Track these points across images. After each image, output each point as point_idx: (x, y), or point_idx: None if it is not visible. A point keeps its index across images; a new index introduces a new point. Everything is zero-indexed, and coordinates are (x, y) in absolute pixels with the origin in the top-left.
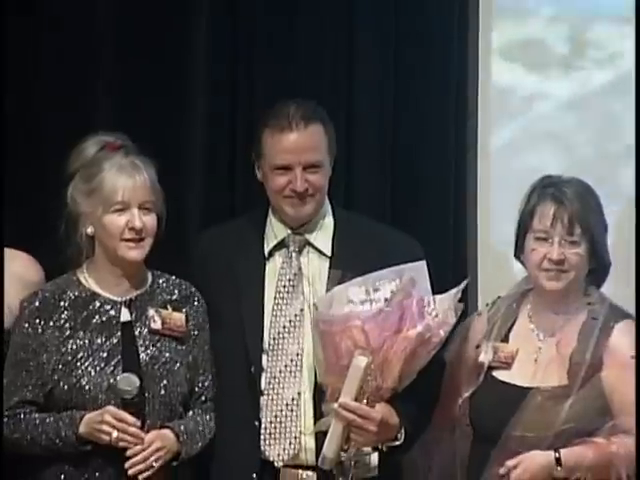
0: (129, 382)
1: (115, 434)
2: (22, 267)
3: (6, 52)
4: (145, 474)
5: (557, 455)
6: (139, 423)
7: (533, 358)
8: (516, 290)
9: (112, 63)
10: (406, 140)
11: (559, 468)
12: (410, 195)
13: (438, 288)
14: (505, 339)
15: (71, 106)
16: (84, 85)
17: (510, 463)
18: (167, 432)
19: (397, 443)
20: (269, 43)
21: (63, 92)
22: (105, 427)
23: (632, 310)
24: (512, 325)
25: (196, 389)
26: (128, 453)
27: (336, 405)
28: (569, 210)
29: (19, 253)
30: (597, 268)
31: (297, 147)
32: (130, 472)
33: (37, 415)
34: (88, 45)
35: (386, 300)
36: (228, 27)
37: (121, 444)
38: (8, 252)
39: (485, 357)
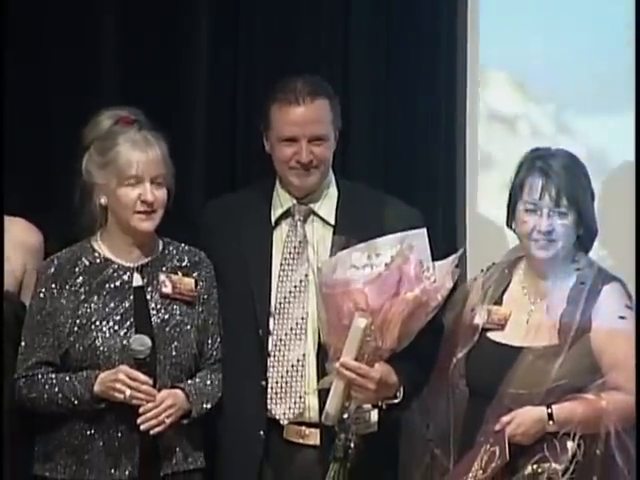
0: (142, 342)
1: (128, 392)
2: (22, 233)
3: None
4: (156, 429)
5: (549, 410)
6: (151, 381)
7: (525, 320)
8: (509, 257)
9: (119, 41)
10: (398, 112)
11: (551, 422)
12: (402, 166)
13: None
14: (499, 302)
15: (77, 79)
16: (91, 57)
17: (505, 419)
18: (178, 391)
19: (396, 401)
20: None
21: (69, 63)
22: (119, 385)
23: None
24: (505, 289)
25: (205, 350)
26: (141, 410)
27: (337, 364)
28: (556, 183)
29: (17, 219)
30: (585, 235)
31: (303, 120)
32: (142, 427)
33: (54, 375)
34: (94, 18)
35: (386, 265)
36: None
37: (134, 401)
38: (7, 219)
39: (479, 319)
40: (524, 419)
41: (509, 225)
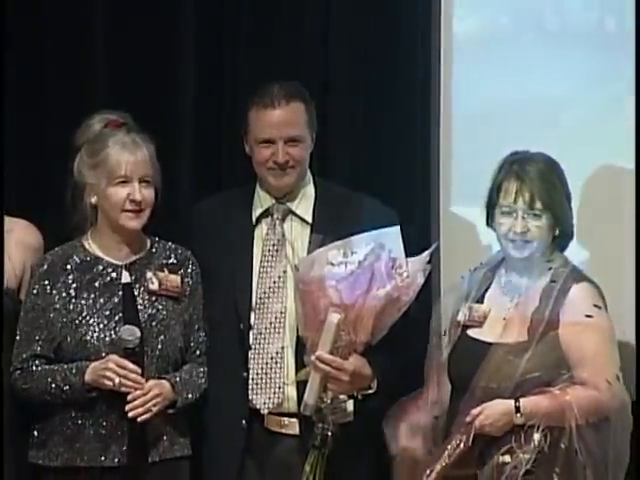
0: (131, 332)
1: (117, 379)
2: (22, 233)
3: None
4: (143, 417)
5: (517, 404)
6: (140, 371)
7: (502, 317)
8: (494, 258)
9: (109, 44)
10: (375, 115)
11: (518, 415)
12: (379, 166)
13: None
14: (480, 301)
15: (71, 79)
16: (83, 63)
17: (474, 411)
18: (164, 382)
19: (370, 392)
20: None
21: (64, 65)
22: (109, 373)
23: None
24: (487, 289)
25: (191, 344)
26: (129, 398)
27: (313, 357)
28: (529, 187)
29: (18, 220)
30: (561, 236)
31: (279, 122)
32: (130, 414)
33: (47, 367)
34: (83, 25)
35: (359, 263)
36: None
37: (123, 389)
38: (8, 220)
39: (461, 316)
40: (493, 412)
41: (489, 225)
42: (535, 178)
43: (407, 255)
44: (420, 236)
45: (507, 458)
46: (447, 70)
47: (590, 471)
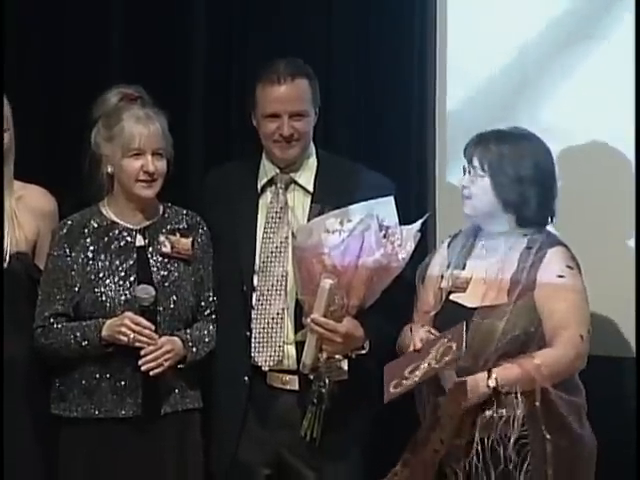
0: (147, 291)
1: (132, 335)
2: (35, 199)
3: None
4: (156, 371)
5: (493, 376)
6: (153, 327)
7: (483, 282)
8: (473, 225)
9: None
10: (375, 92)
11: (490, 383)
12: (378, 139)
13: (402, 221)
14: (464, 267)
15: (89, 52)
16: (100, 40)
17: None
18: (176, 338)
19: (363, 352)
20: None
21: (81, 41)
22: (124, 329)
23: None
24: (469, 255)
25: (201, 303)
26: (142, 352)
27: (309, 320)
28: (484, 153)
29: (32, 186)
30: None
31: (284, 98)
32: (143, 368)
33: (67, 324)
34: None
35: (351, 231)
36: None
37: (137, 344)
38: (20, 186)
39: (445, 283)
40: (472, 392)
41: None
42: (494, 146)
43: (402, 224)
44: (417, 205)
45: (493, 414)
46: (443, 39)
47: (572, 417)
